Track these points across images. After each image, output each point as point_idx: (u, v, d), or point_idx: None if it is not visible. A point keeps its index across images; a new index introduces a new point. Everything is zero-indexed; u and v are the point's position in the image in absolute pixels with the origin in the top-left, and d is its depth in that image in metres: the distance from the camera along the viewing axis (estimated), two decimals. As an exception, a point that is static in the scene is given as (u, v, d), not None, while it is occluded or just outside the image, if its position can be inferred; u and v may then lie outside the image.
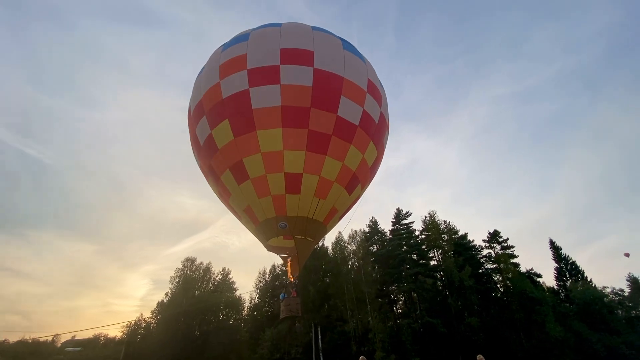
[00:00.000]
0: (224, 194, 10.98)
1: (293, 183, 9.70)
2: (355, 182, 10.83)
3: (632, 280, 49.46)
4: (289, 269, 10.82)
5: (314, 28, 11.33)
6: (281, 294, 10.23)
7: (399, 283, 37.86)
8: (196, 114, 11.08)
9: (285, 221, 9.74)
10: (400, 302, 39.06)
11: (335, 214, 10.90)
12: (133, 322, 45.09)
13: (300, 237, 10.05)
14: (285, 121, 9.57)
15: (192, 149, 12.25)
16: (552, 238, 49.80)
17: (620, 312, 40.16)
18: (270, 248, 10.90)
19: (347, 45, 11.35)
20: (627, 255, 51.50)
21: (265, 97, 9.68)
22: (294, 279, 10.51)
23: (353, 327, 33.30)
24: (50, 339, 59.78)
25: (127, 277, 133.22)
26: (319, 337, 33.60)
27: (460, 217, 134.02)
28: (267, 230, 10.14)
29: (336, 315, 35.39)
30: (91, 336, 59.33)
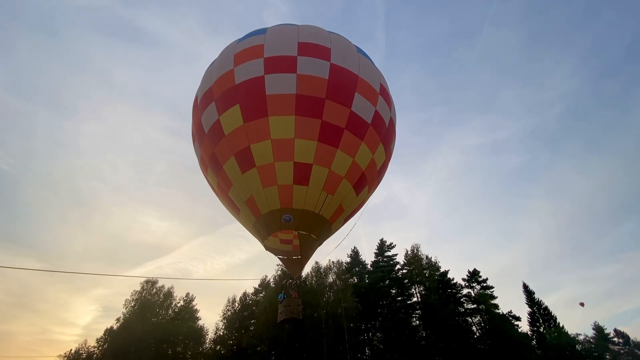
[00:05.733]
0: (225, 185, 10.11)
1: (302, 173, 9.12)
2: (364, 182, 10.39)
3: (598, 329, 50.29)
4: (289, 268, 9.72)
5: (329, 31, 11.57)
6: (280, 295, 9.02)
7: (379, 319, 35.98)
8: (203, 102, 10.58)
9: (290, 214, 8.92)
10: (379, 339, 36.77)
11: (341, 214, 10.23)
12: (72, 350, 38.85)
13: (304, 232, 9.19)
14: (299, 109, 9.27)
15: (194, 140, 11.51)
16: (525, 281, 50.43)
17: (588, 360, 39.94)
18: (268, 247, 9.86)
19: (361, 51, 11.61)
20: (582, 304, 52.86)
21: (280, 84, 9.44)
22: (295, 280, 9.40)
23: (328, 366, 30.57)
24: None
25: (73, 302, 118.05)
26: (290, 376, 30.41)
27: (434, 255, 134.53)
28: (269, 224, 9.22)
29: (311, 352, 32.51)
30: (19, 368, 50.26)
